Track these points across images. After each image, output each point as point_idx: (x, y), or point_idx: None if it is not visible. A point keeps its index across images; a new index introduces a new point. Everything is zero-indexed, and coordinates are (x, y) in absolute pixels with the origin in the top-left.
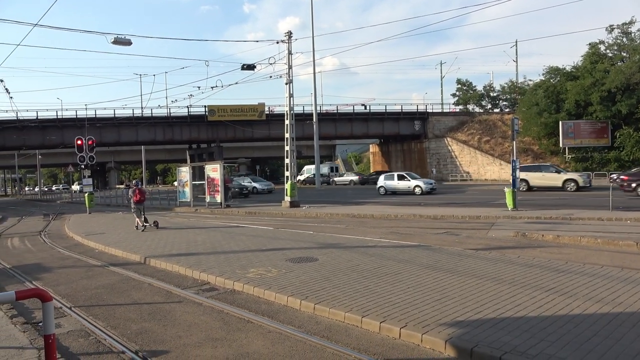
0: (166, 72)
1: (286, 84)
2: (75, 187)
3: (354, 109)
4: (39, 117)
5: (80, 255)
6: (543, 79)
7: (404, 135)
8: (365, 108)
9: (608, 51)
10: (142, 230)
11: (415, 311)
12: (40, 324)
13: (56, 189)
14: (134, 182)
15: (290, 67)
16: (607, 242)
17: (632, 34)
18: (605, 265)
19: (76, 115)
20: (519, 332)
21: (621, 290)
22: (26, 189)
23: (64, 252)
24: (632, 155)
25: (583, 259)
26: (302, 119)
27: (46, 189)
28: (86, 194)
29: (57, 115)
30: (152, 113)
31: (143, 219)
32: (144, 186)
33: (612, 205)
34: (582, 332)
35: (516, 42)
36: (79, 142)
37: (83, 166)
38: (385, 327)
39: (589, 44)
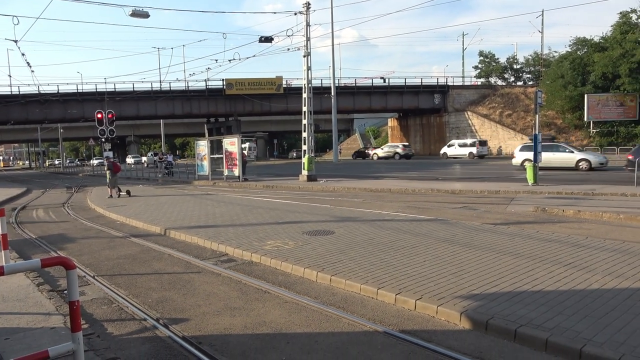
0: (184, 45)
1: (304, 56)
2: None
3: (372, 82)
4: (60, 91)
5: (103, 226)
6: (569, 50)
7: (423, 109)
8: (384, 81)
9: None
10: (115, 197)
11: (431, 284)
12: (65, 291)
13: (98, 162)
14: (110, 155)
15: (308, 40)
16: (630, 218)
17: None
18: (627, 240)
19: (96, 89)
20: (536, 306)
21: None
22: (56, 162)
23: (87, 224)
24: None
25: (604, 234)
26: (320, 92)
27: (76, 162)
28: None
29: (77, 89)
30: (170, 87)
31: (117, 188)
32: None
33: (637, 180)
34: (600, 306)
35: (542, 11)
36: (99, 115)
37: (103, 139)
38: (401, 299)
39: (620, 12)
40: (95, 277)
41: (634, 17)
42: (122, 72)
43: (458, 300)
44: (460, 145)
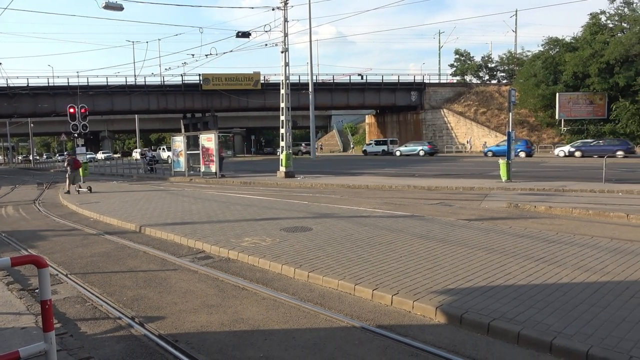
0: (159, 40)
1: (282, 52)
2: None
3: (350, 79)
4: (30, 85)
5: (75, 223)
6: (542, 49)
7: (400, 106)
8: (362, 78)
9: (609, 22)
10: (78, 191)
11: (407, 279)
12: (37, 290)
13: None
14: (66, 152)
15: (286, 35)
16: (598, 214)
17: (634, 4)
18: (595, 236)
19: (68, 82)
20: (508, 300)
21: (609, 260)
22: (39, 156)
23: (59, 221)
24: (628, 128)
25: (574, 229)
26: (297, 88)
27: (57, 158)
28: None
29: (48, 83)
30: (145, 81)
31: (77, 184)
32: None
33: (605, 177)
34: (570, 300)
35: (516, 11)
36: (72, 110)
37: (76, 135)
38: (378, 294)
39: (590, 14)
40: (68, 276)
41: (603, 18)
42: (96, 66)
43: (433, 295)
44: (376, 144)
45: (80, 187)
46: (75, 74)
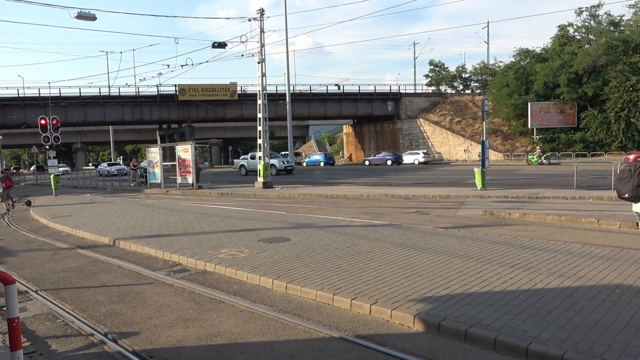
0: (134, 50)
1: (258, 63)
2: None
3: (327, 90)
4: None
5: (47, 238)
6: (513, 60)
7: (377, 116)
8: (339, 88)
9: (576, 34)
10: (9, 210)
11: (385, 288)
12: (4, 308)
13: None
14: (0, 170)
15: (262, 46)
16: (571, 220)
17: (600, 17)
18: (568, 241)
19: (39, 93)
20: (485, 307)
21: (582, 265)
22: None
23: (29, 235)
24: (597, 136)
25: (547, 236)
26: (275, 99)
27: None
28: (52, 176)
29: (18, 94)
30: (119, 92)
31: (13, 200)
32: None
33: (576, 184)
34: (544, 305)
35: (488, 23)
36: (43, 121)
37: (48, 147)
38: (356, 304)
39: (559, 26)
40: (38, 292)
41: (571, 30)
42: (68, 77)
43: (412, 303)
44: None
45: (15, 201)
46: (47, 84)
